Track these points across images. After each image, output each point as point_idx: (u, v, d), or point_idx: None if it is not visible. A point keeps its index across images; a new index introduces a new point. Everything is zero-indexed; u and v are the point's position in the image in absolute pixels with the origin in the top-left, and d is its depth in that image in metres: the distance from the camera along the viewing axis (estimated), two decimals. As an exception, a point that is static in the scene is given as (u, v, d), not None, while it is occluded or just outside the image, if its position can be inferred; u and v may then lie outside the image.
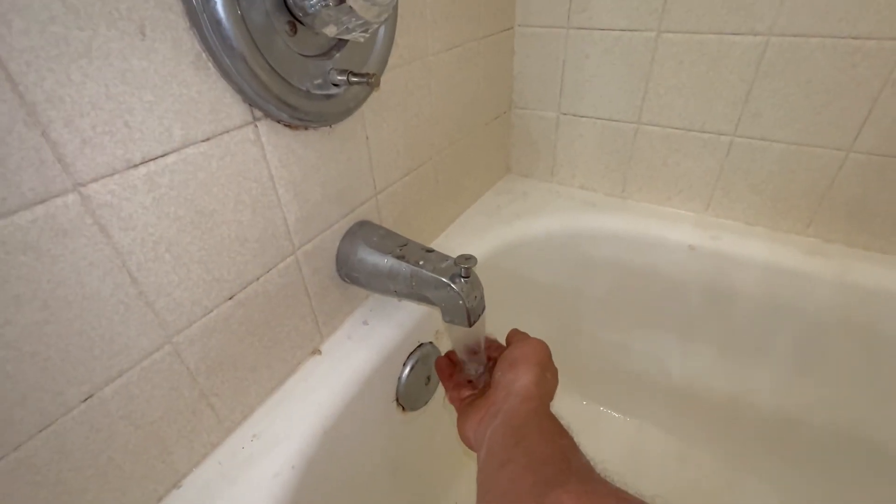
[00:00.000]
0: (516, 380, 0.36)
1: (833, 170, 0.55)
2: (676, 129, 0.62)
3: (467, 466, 0.70)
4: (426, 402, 0.56)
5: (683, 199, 0.66)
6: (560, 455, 0.28)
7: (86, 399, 0.28)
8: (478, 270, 0.43)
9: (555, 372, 0.39)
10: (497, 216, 0.69)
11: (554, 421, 0.33)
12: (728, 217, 0.64)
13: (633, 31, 0.58)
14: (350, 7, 0.29)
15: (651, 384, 0.75)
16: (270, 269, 0.38)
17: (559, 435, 0.31)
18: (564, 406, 0.81)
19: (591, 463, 0.29)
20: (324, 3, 0.30)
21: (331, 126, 0.39)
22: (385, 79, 0.42)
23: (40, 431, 0.26)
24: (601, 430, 0.79)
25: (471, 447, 0.38)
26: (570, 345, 0.76)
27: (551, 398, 0.37)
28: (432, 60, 0.50)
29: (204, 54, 0.28)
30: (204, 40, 0.28)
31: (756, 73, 0.53)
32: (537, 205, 0.71)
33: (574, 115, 0.68)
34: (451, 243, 0.62)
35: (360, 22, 0.31)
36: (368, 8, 0.30)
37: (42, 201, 0.23)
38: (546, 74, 0.67)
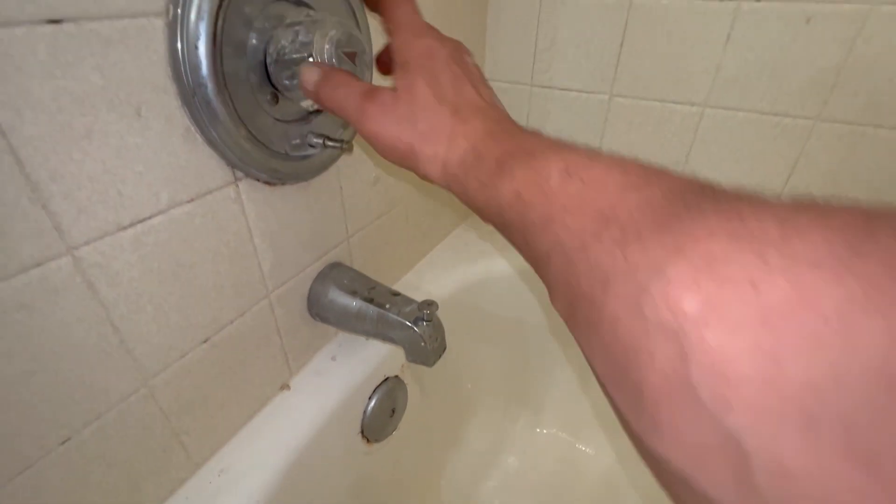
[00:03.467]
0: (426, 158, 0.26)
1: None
2: (627, 180, 0.68)
3: (429, 496, 0.73)
4: (390, 434, 0.59)
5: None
6: (594, 216, 0.17)
7: (64, 442, 0.30)
8: (444, 306, 0.47)
9: (449, 55, 0.28)
10: (464, 253, 0.73)
11: (528, 166, 0.21)
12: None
13: (589, 93, 0.64)
14: None
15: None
16: (245, 313, 0.41)
17: (551, 180, 0.19)
18: (531, 438, 0.84)
19: (629, 175, 0.18)
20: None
21: (307, 181, 0.43)
22: (359, 138, 0.46)
23: (19, 474, 0.28)
24: (571, 461, 0.82)
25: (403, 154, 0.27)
26: (536, 377, 0.81)
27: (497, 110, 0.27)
28: (404, 116, 0.54)
29: (192, 127, 0.32)
30: (193, 115, 0.31)
31: (694, 137, 0.60)
32: (504, 241, 0.76)
33: (537, 163, 0.74)
34: (419, 280, 0.66)
35: None
36: None
37: (38, 265, 0.26)
38: (512, 124, 0.72)
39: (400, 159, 0.28)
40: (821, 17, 0.48)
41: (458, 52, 0.29)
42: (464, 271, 0.69)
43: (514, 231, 0.21)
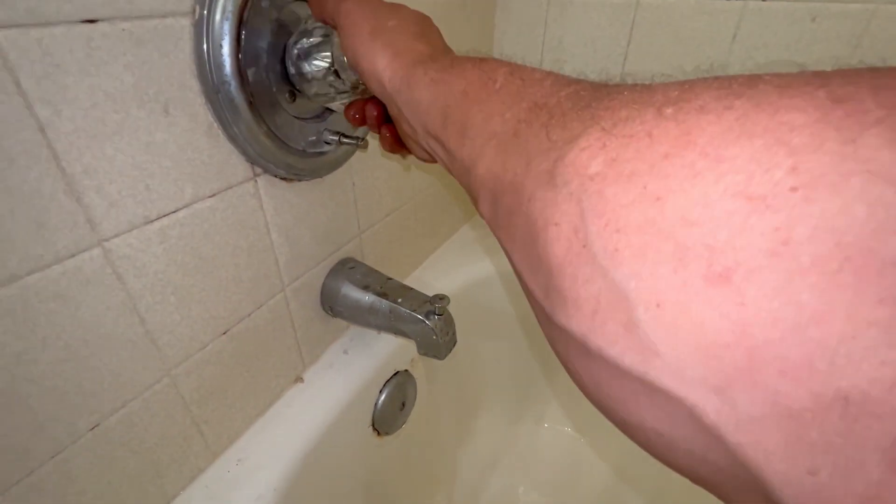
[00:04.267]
0: (366, 71, 0.26)
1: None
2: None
3: (439, 489, 0.74)
4: (400, 427, 0.60)
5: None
6: (528, 107, 0.18)
7: (93, 428, 0.31)
8: (453, 302, 0.48)
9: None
10: (472, 250, 0.74)
11: (469, 72, 0.21)
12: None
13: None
14: (344, 82, 0.34)
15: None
16: (261, 306, 0.42)
17: (495, 82, 0.20)
18: (538, 433, 0.85)
19: (563, 77, 0.19)
20: (324, 76, 0.34)
21: (322, 177, 0.44)
22: (372, 134, 0.47)
23: (52, 458, 0.29)
24: (577, 456, 0.83)
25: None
26: (542, 373, 0.81)
27: (441, 47, 0.27)
28: (415, 114, 0.55)
29: (215, 124, 0.33)
30: (216, 112, 0.32)
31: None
32: (509, 240, 0.77)
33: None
34: (428, 276, 0.67)
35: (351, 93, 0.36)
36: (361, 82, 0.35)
37: (72, 256, 0.27)
38: (519, 122, 0.73)
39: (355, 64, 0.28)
40: (826, 15, 0.49)
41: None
42: (471, 268, 0.70)
43: (453, 131, 0.21)
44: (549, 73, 0.19)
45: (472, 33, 0.63)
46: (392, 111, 0.27)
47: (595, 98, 0.15)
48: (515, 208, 0.16)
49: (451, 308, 0.47)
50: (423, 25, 0.28)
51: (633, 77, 0.60)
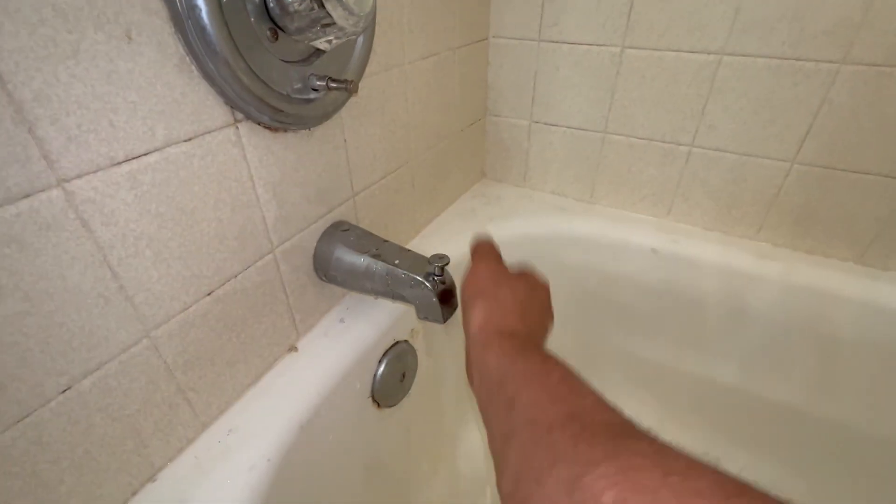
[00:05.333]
0: (466, 321, 0.34)
1: (780, 179, 0.59)
2: (640, 138, 0.65)
3: (441, 466, 0.72)
4: (401, 399, 0.58)
5: (647, 205, 0.70)
6: (567, 413, 0.22)
7: (64, 391, 0.28)
8: (453, 271, 0.45)
9: (506, 295, 0.34)
10: (472, 218, 0.71)
11: (535, 359, 0.27)
12: (687, 222, 0.69)
13: (600, 45, 0.61)
14: (329, 14, 0.31)
15: (618, 383, 0.78)
16: (249, 267, 0.39)
17: (551, 377, 0.25)
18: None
19: (603, 401, 0.23)
20: (306, 9, 0.31)
21: (310, 129, 0.41)
22: (363, 85, 0.44)
23: (18, 422, 0.26)
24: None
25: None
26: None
27: (529, 330, 0.32)
28: (409, 68, 0.52)
29: (188, 58, 0.30)
30: (188, 45, 0.29)
31: (710, 88, 0.57)
32: (510, 209, 0.74)
33: (545, 124, 0.71)
34: (426, 244, 0.64)
35: (337, 30, 0.33)
36: (347, 17, 0.32)
37: (26, 196, 0.24)
38: (519, 84, 0.70)
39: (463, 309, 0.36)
40: None
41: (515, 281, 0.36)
42: (471, 236, 0.67)
43: (502, 399, 0.25)
44: (594, 393, 0.23)
45: (468, 8, 0.59)
46: (466, 349, 0.33)
47: (622, 434, 0.19)
48: (534, 499, 0.19)
49: (454, 277, 0.45)
50: (528, 304, 0.34)
51: (641, 27, 0.56)
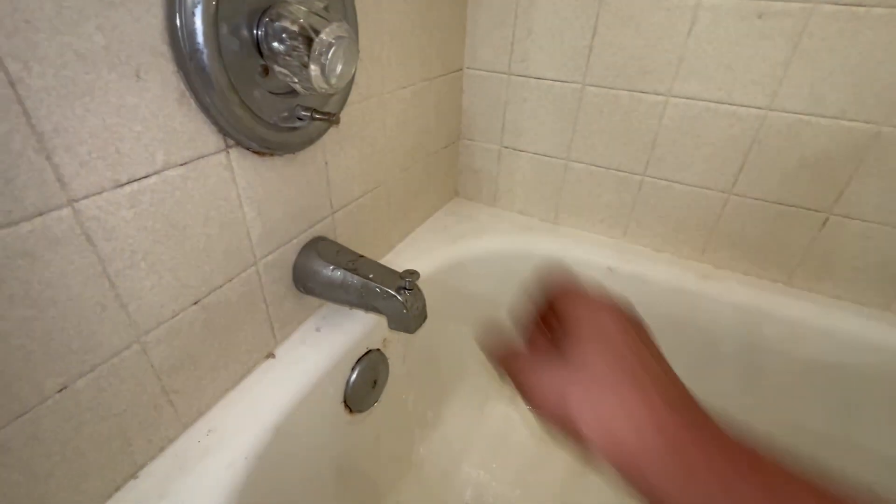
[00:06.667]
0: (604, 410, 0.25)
1: (719, 208, 0.66)
2: (599, 166, 0.72)
3: (409, 469, 0.75)
4: (372, 405, 0.61)
5: (605, 227, 0.76)
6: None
7: (60, 390, 0.31)
8: (424, 284, 0.49)
9: (636, 337, 0.27)
10: (444, 235, 0.76)
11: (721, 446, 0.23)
12: (640, 244, 0.75)
13: (563, 82, 0.68)
14: (310, 76, 0.35)
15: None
16: (233, 278, 0.42)
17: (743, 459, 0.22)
18: (508, 416, 0.88)
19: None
20: (292, 68, 0.35)
21: (294, 153, 0.45)
22: (344, 113, 0.48)
23: (17, 418, 0.29)
24: (546, 439, 0.86)
25: (555, 418, 0.27)
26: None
27: (680, 391, 0.26)
28: (388, 97, 0.57)
29: (187, 92, 0.33)
30: (188, 81, 0.33)
31: (659, 125, 0.64)
32: (480, 227, 0.79)
33: (514, 149, 0.77)
34: (400, 259, 0.68)
35: (312, 88, 0.36)
36: (321, 84, 0.36)
37: (41, 214, 0.27)
38: (490, 112, 0.76)
39: (561, 424, 0.27)
40: (771, 13, 0.53)
41: (636, 327, 0.28)
42: (443, 252, 0.72)
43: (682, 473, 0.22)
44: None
45: (444, 24, 0.65)
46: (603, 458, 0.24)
47: None
48: None
49: (425, 291, 0.49)
50: (656, 352, 0.27)
51: (599, 68, 0.63)
